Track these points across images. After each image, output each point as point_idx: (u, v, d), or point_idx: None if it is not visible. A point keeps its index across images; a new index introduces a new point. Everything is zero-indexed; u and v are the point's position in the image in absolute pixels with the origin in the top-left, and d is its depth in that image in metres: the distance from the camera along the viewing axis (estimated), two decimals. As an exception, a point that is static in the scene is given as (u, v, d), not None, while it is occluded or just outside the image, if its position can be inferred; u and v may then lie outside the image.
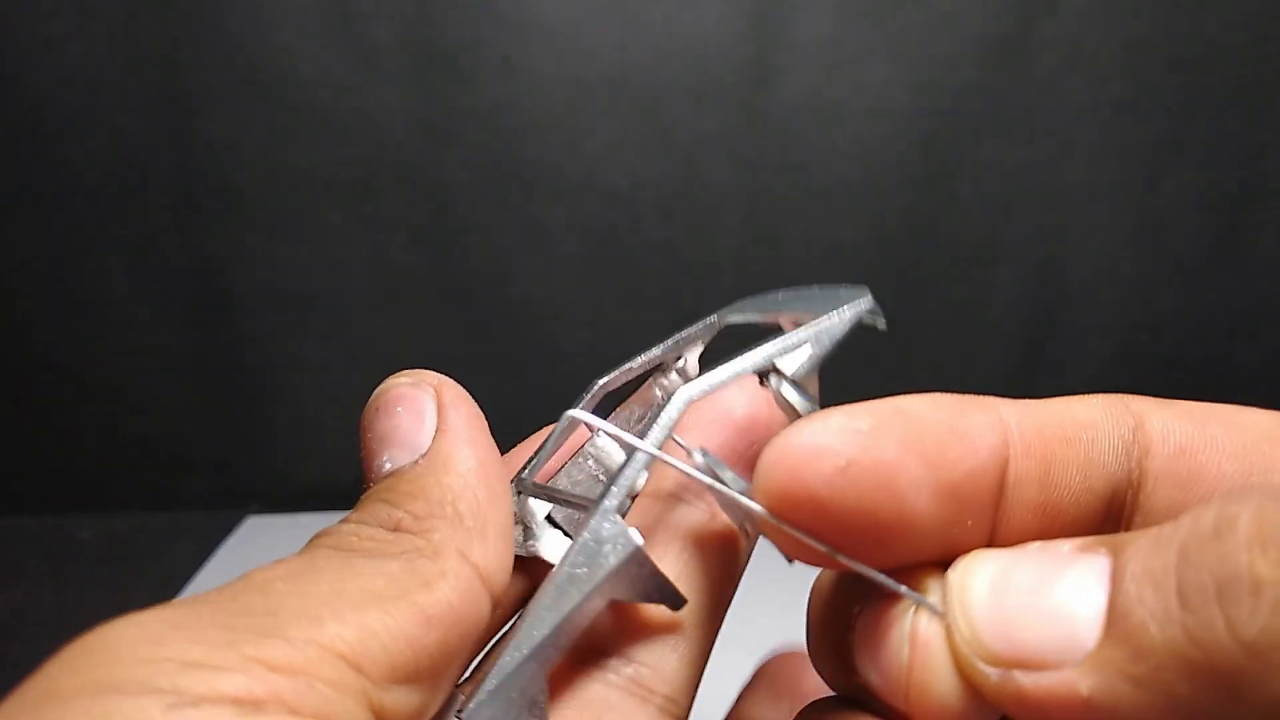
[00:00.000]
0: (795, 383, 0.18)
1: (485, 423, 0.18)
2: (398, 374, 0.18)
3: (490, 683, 0.17)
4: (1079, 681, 0.13)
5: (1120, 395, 0.16)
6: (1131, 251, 0.56)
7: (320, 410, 0.53)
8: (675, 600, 0.18)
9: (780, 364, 0.18)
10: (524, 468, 0.19)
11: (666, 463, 0.16)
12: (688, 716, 0.19)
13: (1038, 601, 0.13)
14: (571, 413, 0.17)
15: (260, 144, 0.47)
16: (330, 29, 0.47)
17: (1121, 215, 0.55)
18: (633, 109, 0.48)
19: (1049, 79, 0.52)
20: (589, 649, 0.19)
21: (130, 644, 0.13)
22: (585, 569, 0.17)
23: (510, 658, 0.17)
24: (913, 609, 0.15)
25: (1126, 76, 0.53)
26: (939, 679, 0.15)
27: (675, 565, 0.19)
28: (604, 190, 0.49)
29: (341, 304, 0.51)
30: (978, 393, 0.16)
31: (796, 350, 0.18)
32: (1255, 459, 0.15)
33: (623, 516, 0.17)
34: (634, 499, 0.19)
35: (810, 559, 0.15)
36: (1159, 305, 0.56)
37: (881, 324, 0.19)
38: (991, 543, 0.15)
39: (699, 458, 0.17)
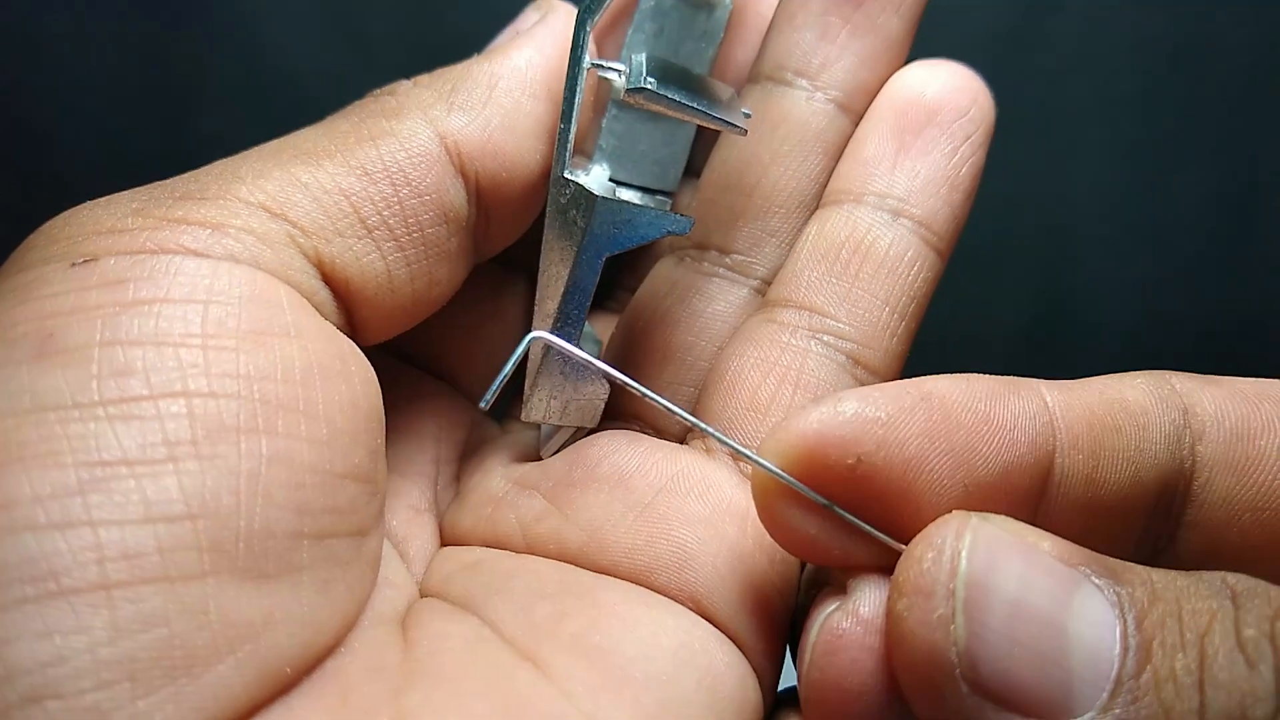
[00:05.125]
0: None
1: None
2: None
3: (529, 381, 0.17)
4: None
5: (1163, 373, 0.14)
6: (1140, 250, 0.55)
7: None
8: (679, 225, 0.17)
9: None
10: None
11: (645, 394, 0.15)
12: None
13: (1044, 645, 0.11)
14: (536, 334, 0.16)
15: (255, 141, 0.47)
16: (327, 24, 0.46)
17: (1130, 213, 0.55)
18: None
19: (1055, 75, 0.51)
20: (688, 245, 0.19)
21: (49, 231, 0.14)
22: (565, 240, 0.16)
23: (536, 350, 0.17)
24: (833, 605, 0.13)
25: (1135, 73, 0.52)
26: (840, 674, 0.13)
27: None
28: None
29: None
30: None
31: None
32: None
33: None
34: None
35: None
36: (1168, 304, 0.56)
37: None
38: None
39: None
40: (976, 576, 0.12)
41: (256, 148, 0.16)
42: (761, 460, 0.13)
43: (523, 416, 0.17)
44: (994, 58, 0.52)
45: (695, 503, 0.16)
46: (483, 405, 0.15)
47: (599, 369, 0.15)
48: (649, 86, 0.16)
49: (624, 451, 0.17)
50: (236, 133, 0.47)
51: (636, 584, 0.15)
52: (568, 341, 0.16)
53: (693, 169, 0.20)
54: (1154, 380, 0.14)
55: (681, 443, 0.18)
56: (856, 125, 0.19)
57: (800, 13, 0.19)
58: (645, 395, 0.15)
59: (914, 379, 0.14)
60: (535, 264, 0.17)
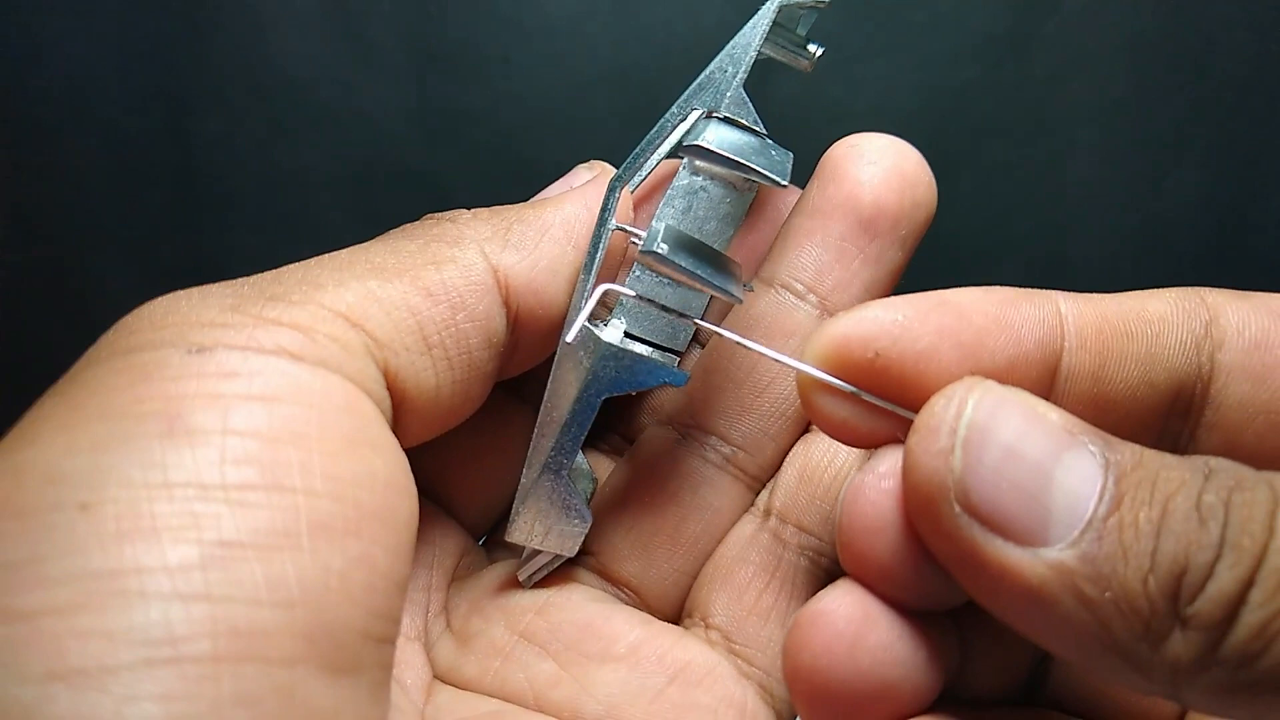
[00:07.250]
0: (729, 119, 0.19)
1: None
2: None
3: (517, 503, 0.18)
4: (1033, 567, 0.13)
5: (1196, 289, 0.16)
6: (1134, 252, 0.55)
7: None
8: (675, 378, 0.19)
9: (708, 110, 0.19)
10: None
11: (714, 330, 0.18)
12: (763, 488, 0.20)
13: (1030, 486, 0.13)
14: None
15: (258, 143, 0.47)
16: (328, 27, 0.46)
17: (1124, 215, 0.55)
18: (633, 108, 0.48)
19: (1050, 78, 0.52)
20: (693, 424, 0.21)
21: (150, 315, 0.15)
22: (570, 376, 0.18)
23: (527, 476, 0.18)
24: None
25: (1129, 76, 0.53)
26: (863, 514, 0.15)
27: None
28: (603, 189, 0.49)
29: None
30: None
31: (721, 87, 0.20)
32: None
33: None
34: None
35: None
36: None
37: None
38: None
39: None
40: (978, 422, 0.14)
41: (327, 257, 0.16)
42: (801, 365, 0.16)
43: (506, 536, 0.18)
44: (992, 60, 0.52)
45: (703, 693, 0.18)
46: (568, 339, 0.17)
47: (694, 323, 0.18)
48: (660, 251, 0.17)
49: (637, 632, 0.19)
50: (240, 136, 0.47)
51: None
52: (560, 473, 0.18)
53: (698, 338, 0.22)
54: (1183, 294, 0.16)
55: (676, 621, 0.20)
56: None
57: (820, 232, 0.20)
58: (744, 344, 0.17)
59: (939, 290, 0.16)
60: (539, 399, 0.18)
